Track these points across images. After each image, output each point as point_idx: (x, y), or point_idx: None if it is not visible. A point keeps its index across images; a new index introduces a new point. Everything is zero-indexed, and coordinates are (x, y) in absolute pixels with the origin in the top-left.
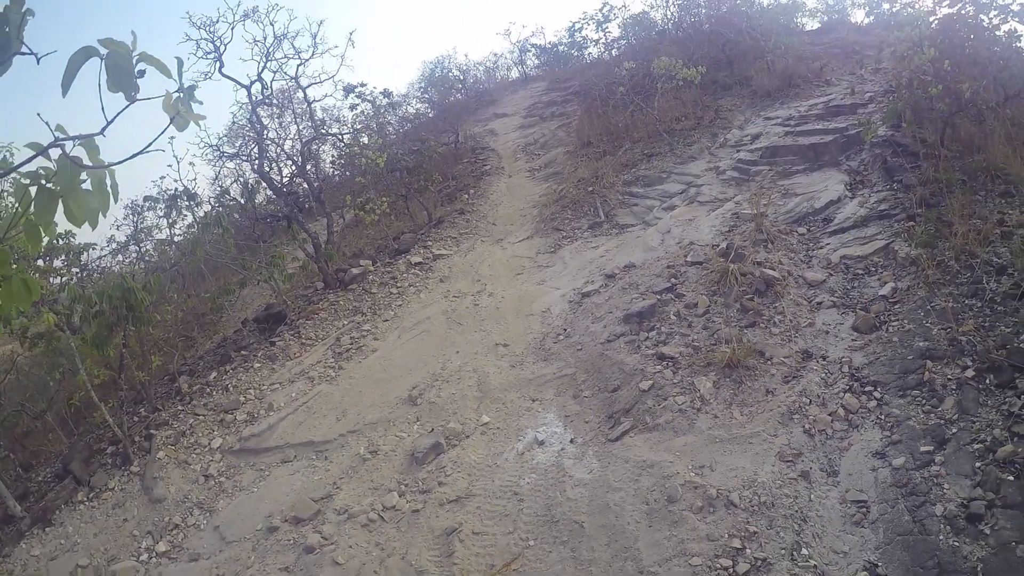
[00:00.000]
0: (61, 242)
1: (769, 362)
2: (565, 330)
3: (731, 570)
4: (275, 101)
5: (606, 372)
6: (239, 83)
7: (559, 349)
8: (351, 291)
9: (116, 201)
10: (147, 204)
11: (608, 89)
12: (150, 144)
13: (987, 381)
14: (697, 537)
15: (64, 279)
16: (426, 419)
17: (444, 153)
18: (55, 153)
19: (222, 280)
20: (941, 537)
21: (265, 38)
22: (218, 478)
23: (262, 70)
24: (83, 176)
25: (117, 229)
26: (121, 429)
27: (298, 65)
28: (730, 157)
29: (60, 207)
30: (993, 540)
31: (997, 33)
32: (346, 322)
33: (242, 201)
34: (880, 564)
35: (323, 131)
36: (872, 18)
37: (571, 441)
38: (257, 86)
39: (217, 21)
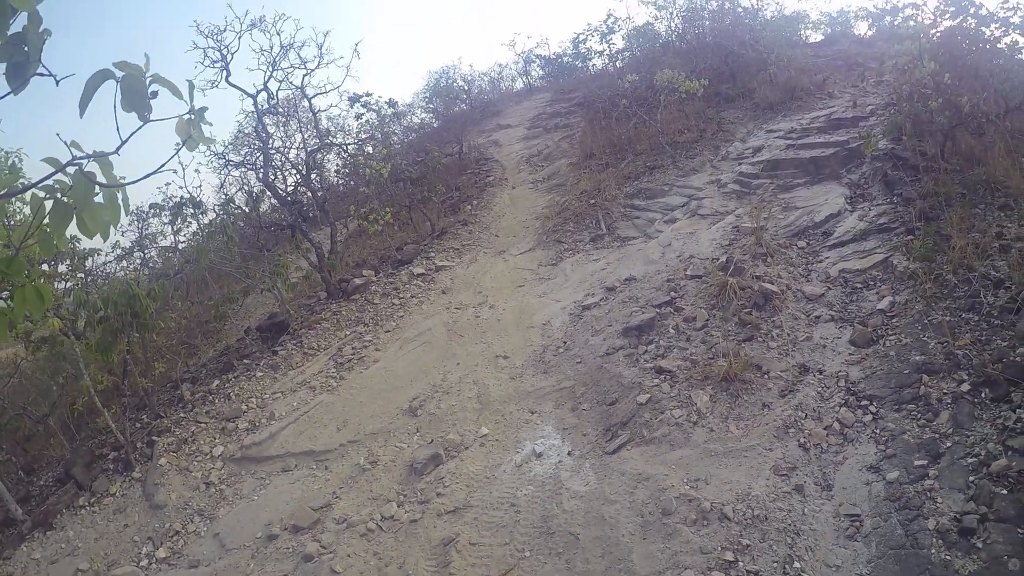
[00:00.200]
0: (67, 247)
1: (766, 376)
2: (565, 343)
3: None
4: (281, 110)
5: (604, 385)
6: (245, 92)
7: (559, 362)
8: (353, 301)
9: (127, 214)
10: (152, 211)
11: (611, 101)
12: (164, 164)
13: (983, 395)
14: (690, 550)
15: (69, 284)
16: (426, 430)
17: (448, 164)
18: (71, 169)
19: (226, 288)
20: (933, 551)
21: (272, 48)
22: (219, 485)
23: (268, 79)
24: (97, 191)
25: (122, 235)
26: (123, 435)
27: (304, 75)
28: (732, 170)
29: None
30: (985, 554)
31: (999, 46)
32: (348, 332)
33: (247, 210)
34: None
35: (328, 140)
36: (875, 30)
37: (568, 454)
38: (263, 95)
39: (224, 30)
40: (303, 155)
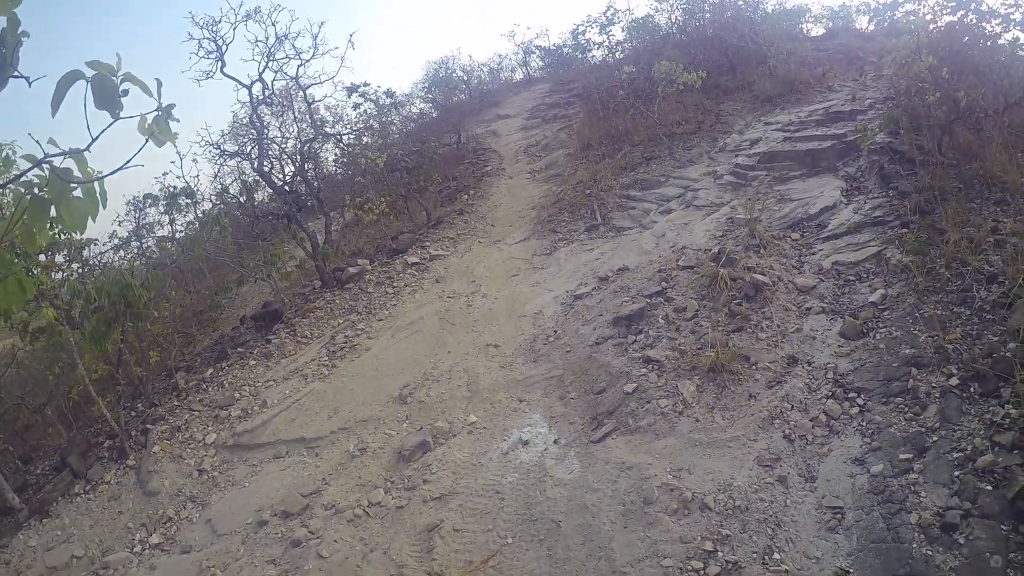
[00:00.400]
0: (64, 237)
1: (754, 367)
2: (556, 332)
3: (702, 572)
4: (277, 100)
5: (593, 374)
6: (240, 83)
7: (549, 351)
8: (348, 290)
9: (105, 207)
10: (148, 201)
11: (609, 92)
12: (129, 160)
13: (971, 390)
14: (670, 539)
15: (65, 274)
16: (415, 418)
17: (445, 154)
18: (47, 167)
19: (221, 278)
20: (915, 546)
21: (267, 38)
22: (211, 472)
23: (263, 70)
24: (74, 185)
25: (119, 225)
26: (118, 423)
27: (299, 66)
28: (728, 162)
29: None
30: (967, 550)
31: (1000, 42)
32: (341, 321)
33: (242, 199)
34: (852, 571)
35: (323, 131)
36: (876, 25)
37: (555, 442)
38: (258, 86)
39: (219, 21)
40: (299, 145)
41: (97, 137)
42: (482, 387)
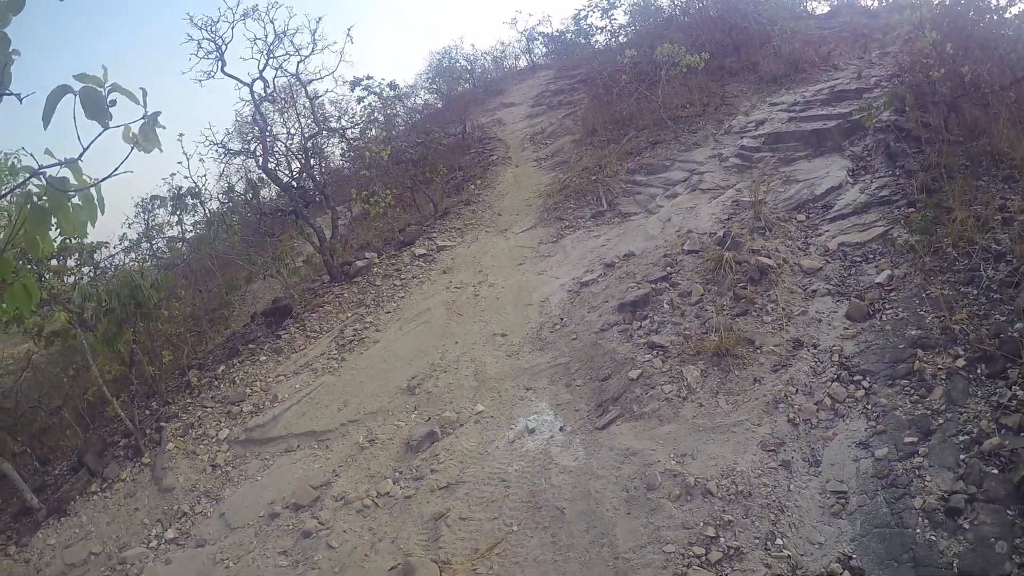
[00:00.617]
0: (74, 242)
1: (758, 351)
2: (562, 319)
3: (704, 558)
4: (279, 98)
5: (598, 361)
6: (241, 81)
7: (555, 339)
8: (356, 284)
9: (103, 213)
10: (156, 202)
11: (612, 77)
12: (117, 167)
13: (978, 371)
14: (673, 525)
15: (76, 278)
16: (423, 408)
17: (451, 144)
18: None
19: (231, 276)
20: (918, 531)
21: (266, 36)
22: (225, 468)
23: (264, 68)
24: (71, 193)
25: (128, 227)
26: (133, 422)
27: (299, 62)
28: (734, 144)
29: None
30: (972, 535)
31: (1006, 15)
32: (350, 314)
33: (248, 197)
34: (855, 556)
35: (327, 126)
36: (881, 1)
37: (560, 429)
38: (259, 84)
39: (218, 21)
40: (303, 141)
41: (88, 147)
42: (489, 376)
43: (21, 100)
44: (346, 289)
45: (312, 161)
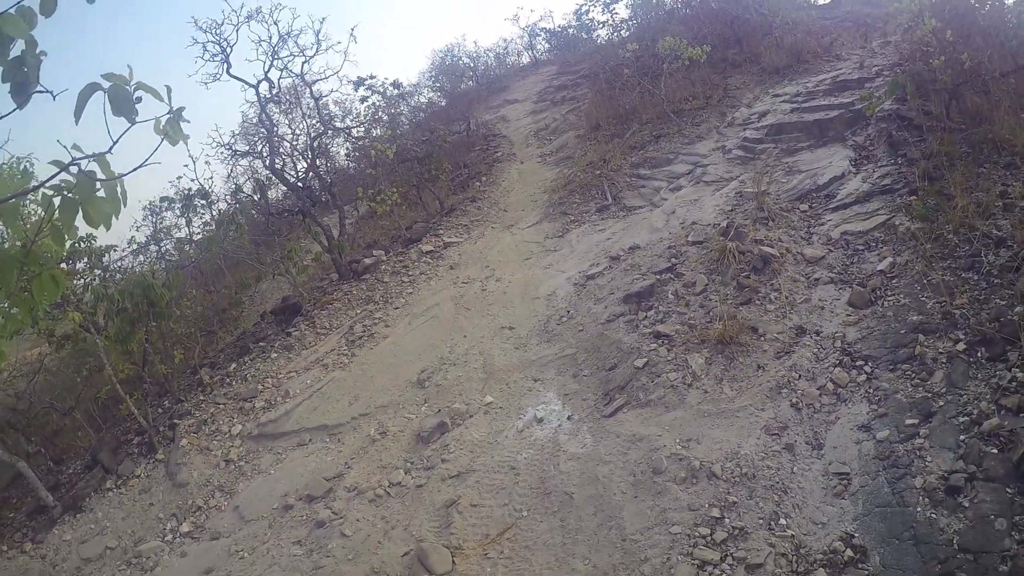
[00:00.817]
0: (83, 245)
1: (762, 338)
2: (568, 312)
3: (709, 538)
4: (285, 98)
5: (604, 351)
6: (247, 83)
7: (562, 331)
8: (364, 281)
9: (125, 206)
10: (164, 204)
11: (614, 72)
12: (147, 159)
13: (978, 354)
14: (679, 507)
15: (87, 280)
16: (433, 401)
17: (455, 141)
18: (74, 169)
19: (239, 276)
20: (919, 509)
21: (270, 38)
22: (238, 462)
23: (269, 69)
24: (98, 186)
25: (136, 230)
26: (146, 420)
27: (303, 62)
28: (737, 136)
29: (79, 213)
30: (971, 513)
31: (1007, 2)
32: (359, 311)
33: (256, 197)
34: (857, 535)
35: (333, 126)
36: None
37: (568, 418)
38: (264, 85)
39: (223, 23)
40: (308, 141)
41: (117, 140)
42: (497, 368)
43: (55, 97)
44: (355, 286)
45: (318, 161)
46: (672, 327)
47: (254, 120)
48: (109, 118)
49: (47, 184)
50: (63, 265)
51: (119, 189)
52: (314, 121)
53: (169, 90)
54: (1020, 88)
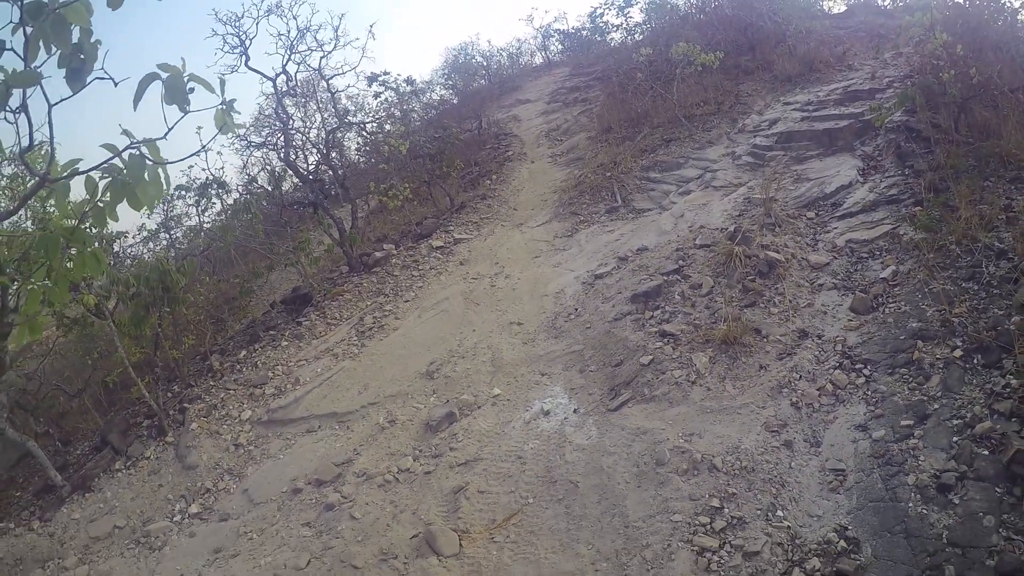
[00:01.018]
0: (94, 231)
1: (765, 340)
2: (576, 309)
3: (709, 527)
4: (300, 91)
5: (611, 348)
6: (265, 76)
7: (569, 327)
8: (375, 274)
9: (169, 190)
10: (177, 193)
11: (627, 75)
12: (205, 145)
13: (974, 361)
14: (680, 496)
15: None
16: (442, 392)
17: (467, 139)
18: (126, 153)
19: (251, 265)
20: (911, 505)
21: (289, 32)
22: (247, 447)
23: (286, 63)
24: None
25: (148, 218)
26: (156, 403)
27: (321, 57)
28: (747, 142)
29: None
30: (961, 510)
31: (1020, 17)
32: (369, 303)
33: (269, 188)
34: (850, 527)
35: (346, 120)
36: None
37: (574, 411)
38: (282, 78)
39: (242, 17)
40: (323, 135)
41: (172, 127)
42: (505, 362)
43: (116, 84)
44: (365, 279)
45: (332, 154)
46: (678, 326)
47: (269, 112)
48: (157, 108)
49: (101, 166)
50: (72, 251)
51: (163, 175)
52: (328, 115)
53: (222, 82)
54: None
